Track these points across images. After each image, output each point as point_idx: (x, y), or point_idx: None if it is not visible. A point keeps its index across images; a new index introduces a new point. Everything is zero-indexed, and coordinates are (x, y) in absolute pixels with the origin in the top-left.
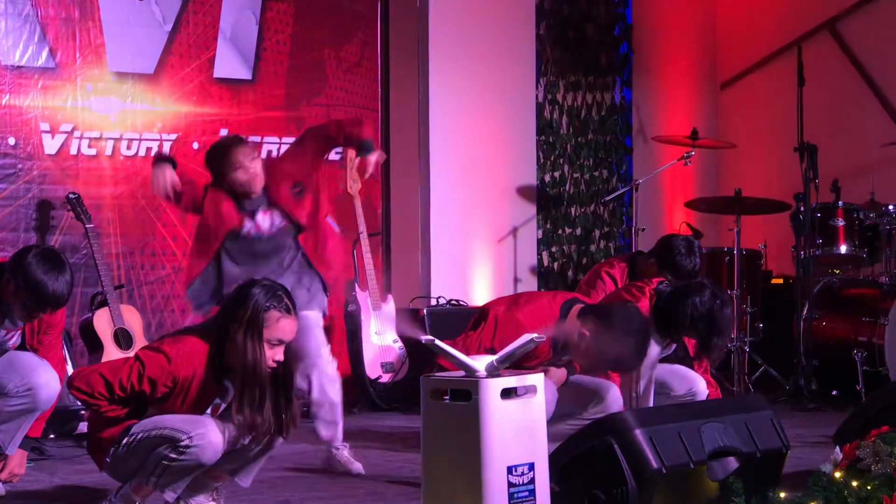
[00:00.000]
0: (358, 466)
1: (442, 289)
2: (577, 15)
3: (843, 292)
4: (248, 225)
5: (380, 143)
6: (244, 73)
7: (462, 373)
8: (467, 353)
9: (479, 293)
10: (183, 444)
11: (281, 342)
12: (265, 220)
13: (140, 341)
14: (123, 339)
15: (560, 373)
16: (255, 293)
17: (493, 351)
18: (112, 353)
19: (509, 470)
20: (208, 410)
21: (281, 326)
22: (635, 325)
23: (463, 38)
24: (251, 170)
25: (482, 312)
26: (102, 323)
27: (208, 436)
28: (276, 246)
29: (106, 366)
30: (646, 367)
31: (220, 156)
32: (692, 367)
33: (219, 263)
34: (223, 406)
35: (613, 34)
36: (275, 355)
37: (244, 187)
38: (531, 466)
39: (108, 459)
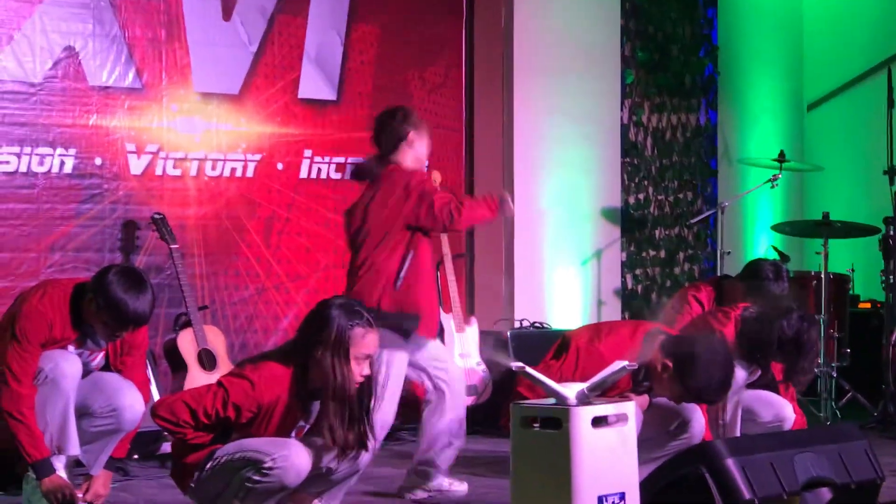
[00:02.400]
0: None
1: (525, 311)
2: (663, 36)
3: None
4: None
5: (464, 163)
6: (329, 94)
7: (552, 400)
8: None
9: (563, 316)
10: (266, 465)
11: (368, 357)
12: None
13: (224, 362)
14: (207, 359)
15: (643, 398)
16: (335, 314)
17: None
18: (196, 373)
19: (600, 500)
20: (293, 433)
21: (367, 342)
22: (719, 358)
23: (547, 59)
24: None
25: (563, 342)
26: (186, 343)
27: (291, 458)
28: None
29: (189, 393)
30: (732, 394)
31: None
32: (778, 393)
33: None
34: (307, 428)
35: (699, 55)
36: (362, 370)
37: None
38: (622, 496)
39: (192, 484)
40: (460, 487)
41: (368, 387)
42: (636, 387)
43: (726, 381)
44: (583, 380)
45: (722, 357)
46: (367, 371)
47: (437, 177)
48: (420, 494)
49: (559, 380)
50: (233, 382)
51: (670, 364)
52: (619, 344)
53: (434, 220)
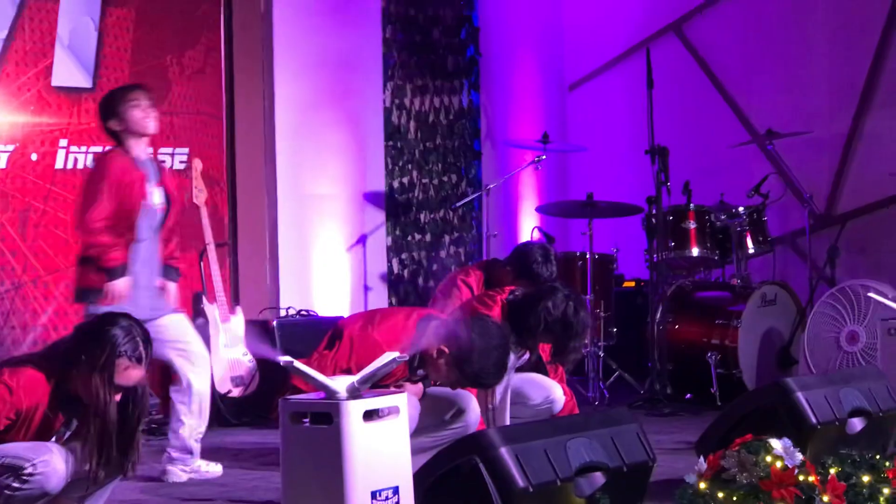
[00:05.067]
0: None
1: (291, 299)
2: (424, 18)
3: (695, 295)
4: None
5: (225, 150)
6: (84, 81)
7: (322, 394)
8: (323, 374)
9: (330, 303)
10: (27, 471)
11: (120, 388)
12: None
13: None
14: None
15: (417, 387)
16: (115, 335)
17: (349, 372)
18: None
19: (373, 495)
20: (52, 439)
21: (127, 375)
22: (494, 341)
23: (309, 43)
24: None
25: (336, 331)
26: None
27: (53, 463)
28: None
29: None
30: None
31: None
32: (547, 374)
33: None
34: (68, 434)
35: (460, 37)
36: (115, 398)
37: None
38: (396, 490)
39: None
40: (215, 468)
41: (138, 411)
42: (411, 375)
43: (502, 365)
44: (358, 368)
45: (497, 341)
46: (117, 398)
47: (197, 164)
48: (181, 476)
49: (334, 370)
50: None
51: (446, 350)
52: (394, 330)
53: None
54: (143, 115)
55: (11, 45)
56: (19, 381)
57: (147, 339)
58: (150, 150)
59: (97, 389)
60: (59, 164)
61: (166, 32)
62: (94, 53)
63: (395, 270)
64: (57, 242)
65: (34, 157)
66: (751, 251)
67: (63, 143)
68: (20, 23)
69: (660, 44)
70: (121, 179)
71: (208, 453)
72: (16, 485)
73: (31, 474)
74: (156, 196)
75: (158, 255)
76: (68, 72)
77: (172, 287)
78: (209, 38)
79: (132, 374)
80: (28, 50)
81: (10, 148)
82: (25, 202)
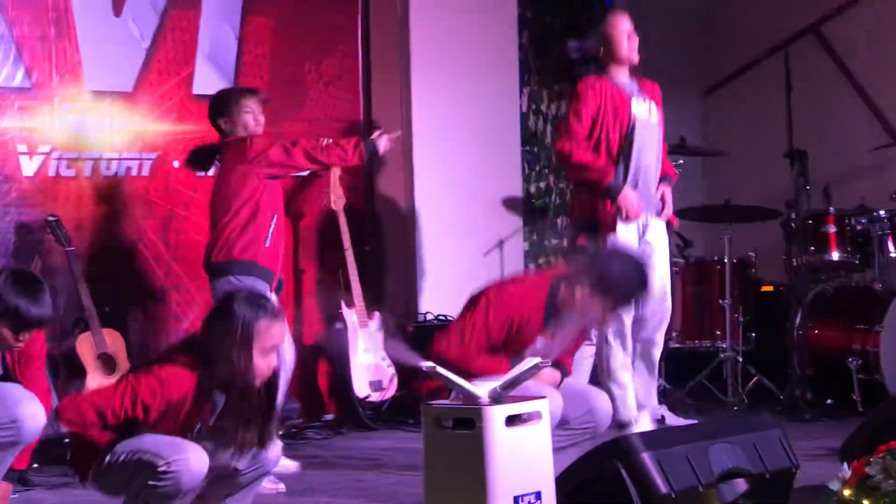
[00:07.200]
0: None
1: (429, 304)
2: (560, 23)
3: (836, 300)
4: None
5: None
6: None
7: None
8: (462, 339)
9: None
10: (161, 469)
11: (274, 347)
12: None
13: (124, 365)
14: (107, 363)
15: (554, 374)
16: (240, 309)
17: (488, 335)
18: (96, 378)
19: (516, 500)
20: (198, 426)
21: (272, 333)
22: (623, 256)
23: (445, 49)
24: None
25: (472, 299)
26: (85, 348)
27: (187, 461)
28: None
29: (97, 395)
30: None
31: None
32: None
33: None
34: (213, 420)
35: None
36: (271, 363)
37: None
38: (538, 495)
39: (92, 474)
40: (291, 464)
41: (275, 382)
42: (548, 329)
43: (642, 272)
44: (495, 323)
45: (624, 254)
46: (275, 362)
47: (336, 171)
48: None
49: (472, 331)
50: (140, 381)
51: (586, 285)
52: (528, 287)
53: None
54: (255, 125)
55: (154, 54)
56: (168, 374)
57: (269, 298)
58: None
59: (238, 363)
60: (200, 171)
61: (304, 40)
62: (234, 62)
63: None
64: (199, 248)
65: (176, 164)
66: (892, 255)
67: None
68: (162, 33)
69: (798, 46)
70: None
71: (348, 458)
72: (152, 482)
73: (165, 472)
74: None
75: None
76: (209, 80)
77: None
78: (347, 46)
79: (275, 329)
80: (170, 59)
81: (153, 156)
82: (167, 209)
